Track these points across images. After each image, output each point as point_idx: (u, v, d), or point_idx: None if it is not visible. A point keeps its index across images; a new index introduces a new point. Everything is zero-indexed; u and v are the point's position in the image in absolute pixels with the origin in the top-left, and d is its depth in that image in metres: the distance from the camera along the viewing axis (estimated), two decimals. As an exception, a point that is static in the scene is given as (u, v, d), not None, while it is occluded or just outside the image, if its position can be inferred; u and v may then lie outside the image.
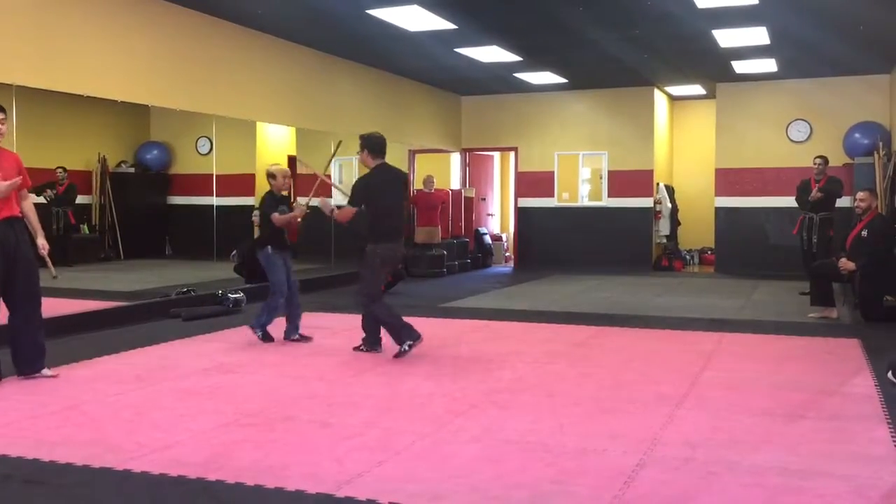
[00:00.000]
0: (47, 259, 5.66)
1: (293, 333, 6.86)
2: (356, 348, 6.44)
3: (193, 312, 8.04)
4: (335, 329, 7.46)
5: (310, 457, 3.80)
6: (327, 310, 8.80)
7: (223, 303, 8.48)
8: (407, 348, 6.09)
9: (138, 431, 4.20)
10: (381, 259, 6.28)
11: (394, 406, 4.80)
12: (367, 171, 6.39)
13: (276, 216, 6.68)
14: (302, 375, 5.62)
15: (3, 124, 5.24)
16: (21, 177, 5.33)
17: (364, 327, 6.43)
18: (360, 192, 6.26)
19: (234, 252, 10.07)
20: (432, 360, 6.01)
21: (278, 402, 4.84)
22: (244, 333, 7.30)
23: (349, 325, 7.48)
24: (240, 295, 8.65)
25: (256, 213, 10.15)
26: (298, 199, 7.38)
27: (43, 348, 5.39)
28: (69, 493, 3.35)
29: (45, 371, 5.40)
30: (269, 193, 6.85)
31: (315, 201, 6.84)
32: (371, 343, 6.40)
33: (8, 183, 5.15)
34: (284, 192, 6.99)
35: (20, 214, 5.38)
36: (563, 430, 4.26)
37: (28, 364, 5.33)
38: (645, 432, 4.18)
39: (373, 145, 6.31)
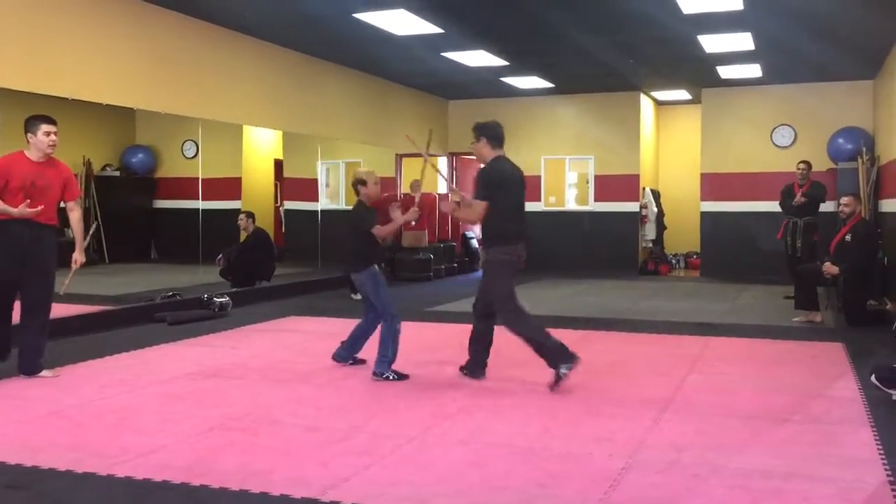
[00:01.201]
0: (70, 272, 5.76)
1: (348, 359, 6.00)
2: (461, 369, 5.65)
3: (179, 316, 8.00)
4: (320, 333, 7.44)
5: (295, 461, 3.79)
6: (313, 313, 8.79)
7: (209, 307, 8.46)
8: (563, 374, 5.16)
9: (122, 436, 4.17)
10: (509, 265, 5.44)
11: (380, 410, 4.79)
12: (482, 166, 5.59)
13: (379, 228, 5.70)
14: (287, 380, 5.60)
15: (56, 135, 5.37)
16: (66, 189, 5.50)
17: (469, 349, 5.63)
18: (490, 184, 5.42)
19: (220, 256, 10.04)
20: (418, 364, 5.99)
21: (264, 406, 4.83)
22: (229, 338, 7.28)
23: (335, 329, 7.46)
24: (225, 299, 8.62)
25: (242, 216, 10.16)
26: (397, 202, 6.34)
27: (41, 350, 5.51)
28: (52, 499, 3.32)
29: (45, 372, 5.51)
30: (361, 205, 5.84)
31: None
32: (473, 368, 5.59)
33: None
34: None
35: (51, 223, 5.47)
36: (550, 433, 4.26)
37: (28, 364, 5.46)
38: (631, 435, 4.19)
39: (493, 135, 5.55)
